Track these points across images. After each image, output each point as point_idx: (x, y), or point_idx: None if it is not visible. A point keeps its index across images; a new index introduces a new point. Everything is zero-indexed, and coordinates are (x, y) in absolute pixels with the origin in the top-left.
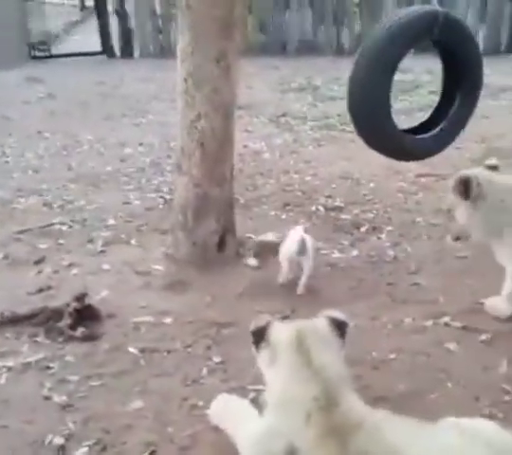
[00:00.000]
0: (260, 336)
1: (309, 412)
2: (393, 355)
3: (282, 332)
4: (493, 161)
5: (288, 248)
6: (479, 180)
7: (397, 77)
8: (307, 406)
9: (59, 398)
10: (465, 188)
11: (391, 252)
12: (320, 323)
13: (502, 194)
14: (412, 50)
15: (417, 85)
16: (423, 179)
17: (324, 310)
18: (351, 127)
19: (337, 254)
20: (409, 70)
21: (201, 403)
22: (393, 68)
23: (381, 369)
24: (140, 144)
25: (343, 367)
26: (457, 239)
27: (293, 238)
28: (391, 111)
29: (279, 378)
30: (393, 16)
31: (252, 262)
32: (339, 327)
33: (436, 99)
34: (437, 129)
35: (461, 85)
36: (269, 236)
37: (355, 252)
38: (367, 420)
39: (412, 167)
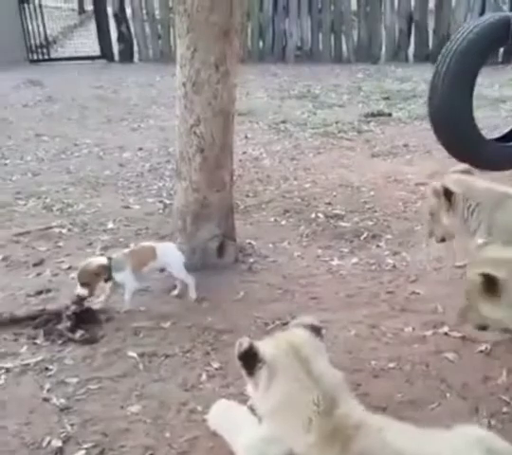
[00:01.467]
0: (249, 358)
1: (310, 417)
2: (392, 364)
3: (272, 347)
4: (463, 167)
5: None
6: (459, 184)
7: (396, 86)
8: (308, 411)
9: (57, 400)
10: (446, 192)
11: (390, 260)
12: (301, 332)
13: (479, 197)
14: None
15: (415, 95)
16: (423, 188)
17: (299, 318)
18: (349, 135)
19: (336, 261)
20: (407, 79)
21: (200, 408)
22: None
23: (380, 377)
24: (140, 149)
25: (337, 371)
26: (442, 240)
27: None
28: (474, 121)
29: (279, 389)
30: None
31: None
32: (317, 332)
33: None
34: None
35: None
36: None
37: (354, 260)
38: (368, 422)
39: (412, 176)
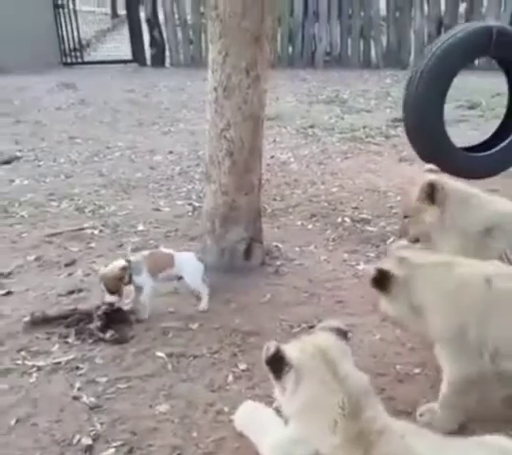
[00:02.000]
0: (276, 362)
1: (335, 420)
2: (417, 370)
3: (298, 351)
4: (431, 166)
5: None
6: (443, 185)
7: None
8: (334, 414)
9: (87, 399)
10: (431, 192)
11: None
12: (327, 335)
13: (463, 198)
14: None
15: None
16: None
17: (326, 321)
18: (377, 140)
19: (362, 266)
20: None
21: (226, 409)
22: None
23: (405, 382)
24: (170, 152)
25: (363, 374)
26: (416, 241)
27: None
28: (445, 128)
29: (306, 392)
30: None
31: (111, 298)
32: (342, 336)
33: (463, 113)
34: (498, 148)
35: None
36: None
37: None
38: (392, 429)
39: None
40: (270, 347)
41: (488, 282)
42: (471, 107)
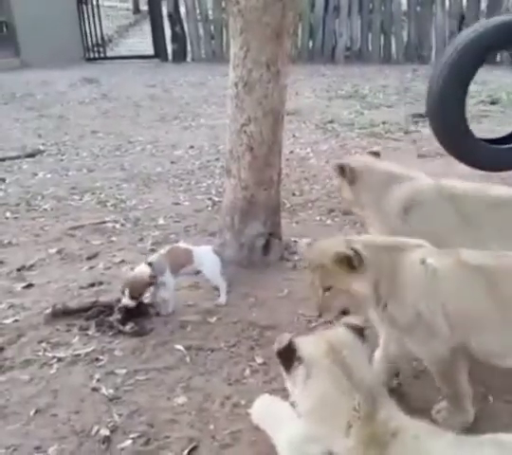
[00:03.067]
0: (287, 355)
1: (349, 422)
2: None
3: (311, 346)
4: (375, 148)
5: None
6: (351, 166)
7: None
8: (348, 416)
9: (106, 390)
10: (341, 171)
11: None
12: (344, 332)
13: (374, 177)
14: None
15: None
16: None
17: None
18: (396, 135)
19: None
20: None
21: (243, 402)
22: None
23: (421, 378)
24: (191, 147)
25: (376, 374)
26: (346, 213)
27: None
28: (466, 120)
29: (316, 390)
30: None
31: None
32: (359, 333)
33: (486, 108)
34: None
35: None
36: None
37: None
38: (406, 429)
39: (459, 177)
40: (283, 339)
41: (424, 264)
42: (493, 103)
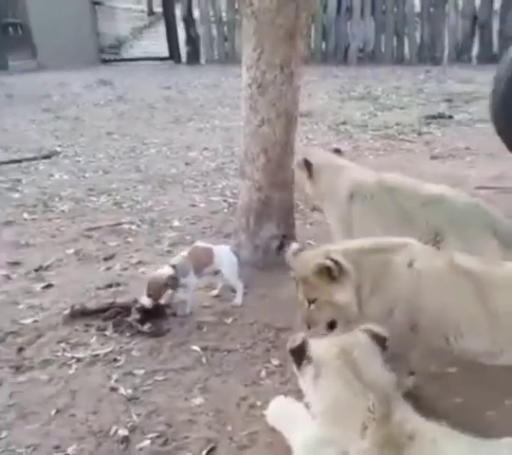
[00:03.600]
0: (299, 354)
1: (365, 424)
2: (452, 369)
3: (322, 348)
4: (337, 146)
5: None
6: (311, 161)
7: (458, 88)
8: (362, 418)
9: (125, 391)
10: (305, 165)
11: None
12: (361, 337)
13: (329, 169)
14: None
15: (478, 97)
16: (482, 192)
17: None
18: (409, 137)
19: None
20: (470, 81)
21: (259, 403)
22: None
23: (439, 380)
24: (205, 148)
25: (391, 378)
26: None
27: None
28: None
29: (328, 392)
30: None
31: (147, 301)
32: (380, 341)
33: None
34: None
35: None
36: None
37: None
38: (423, 432)
39: (472, 179)
40: (297, 339)
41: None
42: None
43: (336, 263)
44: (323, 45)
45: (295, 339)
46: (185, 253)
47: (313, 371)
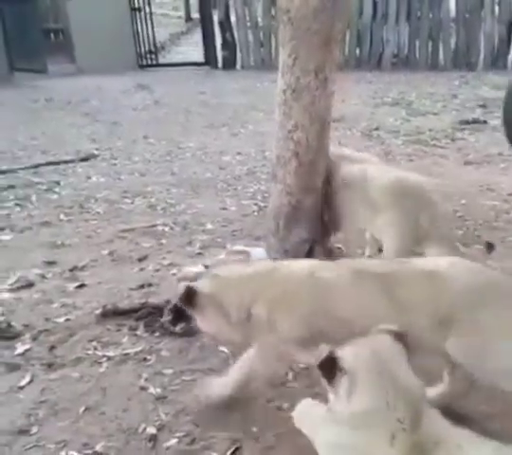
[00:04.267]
0: (329, 367)
1: (393, 433)
2: None
3: (353, 356)
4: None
5: None
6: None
7: (493, 93)
8: (392, 427)
9: (154, 390)
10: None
11: None
12: (384, 339)
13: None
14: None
15: None
16: None
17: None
18: (442, 143)
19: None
20: (505, 87)
21: (285, 405)
22: None
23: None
24: (238, 153)
25: (418, 380)
26: None
27: None
28: None
29: (360, 399)
30: None
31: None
32: (400, 339)
33: None
34: None
35: None
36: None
37: None
38: (449, 438)
39: (506, 185)
40: (323, 351)
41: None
42: None
43: (190, 290)
44: (358, 51)
45: (321, 353)
46: (221, 256)
47: (347, 381)
